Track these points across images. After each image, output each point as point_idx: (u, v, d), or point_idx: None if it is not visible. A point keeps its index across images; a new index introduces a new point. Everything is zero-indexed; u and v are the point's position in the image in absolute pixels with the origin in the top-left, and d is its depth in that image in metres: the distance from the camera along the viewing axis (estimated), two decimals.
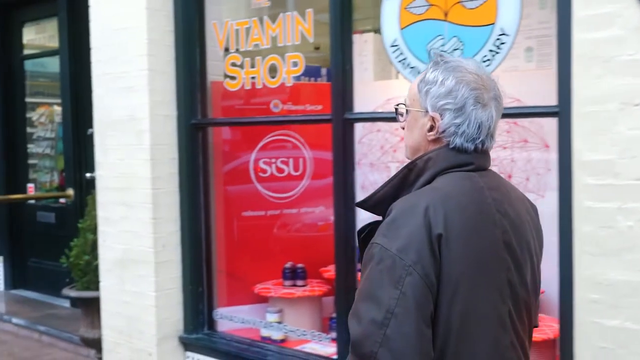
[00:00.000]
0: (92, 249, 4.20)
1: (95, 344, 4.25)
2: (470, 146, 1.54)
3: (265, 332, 3.82)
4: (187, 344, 3.85)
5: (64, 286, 6.01)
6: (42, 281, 6.36)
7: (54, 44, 6.22)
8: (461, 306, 1.44)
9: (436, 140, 1.56)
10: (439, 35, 2.93)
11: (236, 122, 4.02)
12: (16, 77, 6.48)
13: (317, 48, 4.14)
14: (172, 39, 3.78)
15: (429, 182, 1.53)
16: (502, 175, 1.71)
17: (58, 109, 7.60)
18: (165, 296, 3.78)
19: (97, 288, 4.21)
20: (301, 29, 3.39)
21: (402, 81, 4.13)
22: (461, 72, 1.55)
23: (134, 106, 3.74)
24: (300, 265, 3.99)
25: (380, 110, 3.83)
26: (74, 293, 4.21)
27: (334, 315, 3.84)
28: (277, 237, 4.18)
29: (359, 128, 4.18)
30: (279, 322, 3.82)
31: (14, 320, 5.63)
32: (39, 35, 6.34)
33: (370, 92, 4.28)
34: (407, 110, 1.62)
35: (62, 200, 6.22)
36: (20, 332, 5.57)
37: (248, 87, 3.60)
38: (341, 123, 3.21)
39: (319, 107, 4.21)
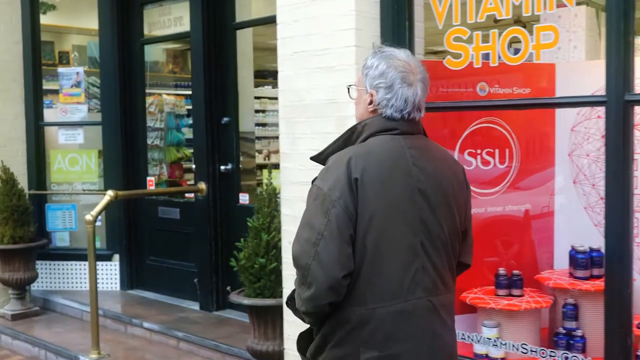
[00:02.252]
0: (266, 251, 3.74)
1: (268, 358, 3.79)
2: (398, 115, 2.00)
3: (480, 349, 3.32)
4: None
5: (187, 287, 5.62)
6: (163, 281, 5.96)
7: (181, 27, 5.80)
8: (374, 234, 1.90)
9: (374, 111, 2.04)
10: None
11: (461, 106, 3.50)
12: (136, 64, 6.07)
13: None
14: (378, 11, 3.29)
15: (364, 141, 2.00)
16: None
17: (167, 97, 7.25)
18: None
19: (271, 295, 3.76)
20: None
21: None
22: (392, 59, 2.02)
23: (336, 88, 3.25)
24: (516, 272, 3.46)
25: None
26: (248, 301, 3.75)
27: (560, 329, 3.33)
28: (482, 239, 3.65)
29: (572, 114, 3.66)
30: (497, 338, 3.31)
31: (146, 324, 5.22)
32: (163, 18, 5.91)
33: (580, 74, 3.76)
34: (355, 89, 2.15)
35: (187, 194, 5.81)
36: (152, 337, 5.16)
37: (478, 65, 3.08)
38: (620, 106, 2.66)
39: (527, 91, 3.68)
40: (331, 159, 2.01)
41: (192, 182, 7.32)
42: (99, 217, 6.25)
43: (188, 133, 7.53)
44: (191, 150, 7.44)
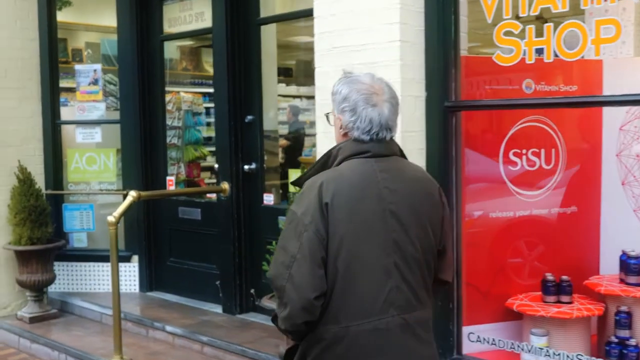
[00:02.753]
0: None
1: None
2: (366, 137, 2.03)
3: (529, 358, 3.17)
4: None
5: (209, 289, 5.49)
6: (183, 283, 5.82)
7: (202, 22, 5.65)
8: (345, 255, 1.95)
9: (345, 135, 2.09)
10: None
11: (509, 104, 3.34)
12: (155, 61, 5.92)
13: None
14: (422, 4, 3.14)
15: (338, 165, 2.05)
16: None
17: (185, 95, 7.12)
18: None
19: None
20: None
21: None
22: (355, 83, 2.06)
23: None
24: (565, 277, 3.31)
25: None
26: None
27: (613, 338, 3.18)
28: (527, 243, 3.51)
29: (621, 113, 3.50)
30: (547, 347, 3.16)
31: (168, 328, 5.08)
32: (184, 14, 5.76)
33: (629, 70, 3.61)
34: (332, 116, 2.16)
35: (209, 195, 5.67)
36: (175, 341, 5.02)
37: (530, 61, 2.93)
38: None
39: (574, 88, 3.53)
40: (306, 184, 2.07)
41: (210, 181, 7.22)
42: None
43: (205, 131, 7.42)
44: (209, 149, 7.32)
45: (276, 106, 5.53)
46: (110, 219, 4.59)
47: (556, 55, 2.85)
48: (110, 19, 7.56)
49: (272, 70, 5.39)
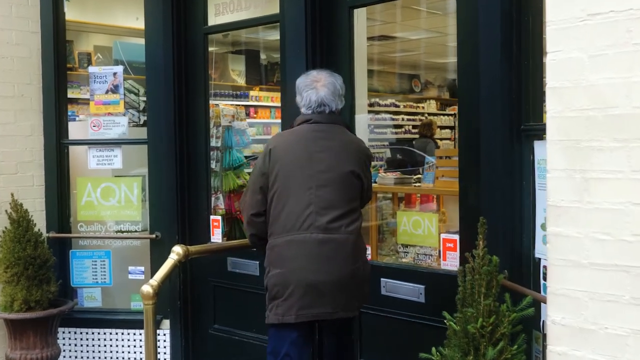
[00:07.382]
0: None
1: None
2: (309, 111, 3.04)
3: None
4: None
5: None
6: (232, 358, 4.33)
7: (263, 8, 4.20)
8: (278, 185, 2.94)
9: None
10: None
11: None
12: (196, 61, 4.46)
13: None
14: None
15: None
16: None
17: (226, 108, 5.68)
18: None
19: None
20: None
21: None
22: (306, 76, 3.09)
23: None
24: None
25: None
26: None
27: None
28: None
29: None
30: None
31: None
32: None
33: None
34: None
35: None
36: None
37: None
38: None
39: None
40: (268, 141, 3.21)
41: None
42: (142, 269, 4.68)
43: (247, 152, 6.04)
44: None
45: (367, 121, 4.05)
46: (147, 289, 3.14)
47: None
48: (124, 19, 6.41)
49: (361, 72, 3.92)
